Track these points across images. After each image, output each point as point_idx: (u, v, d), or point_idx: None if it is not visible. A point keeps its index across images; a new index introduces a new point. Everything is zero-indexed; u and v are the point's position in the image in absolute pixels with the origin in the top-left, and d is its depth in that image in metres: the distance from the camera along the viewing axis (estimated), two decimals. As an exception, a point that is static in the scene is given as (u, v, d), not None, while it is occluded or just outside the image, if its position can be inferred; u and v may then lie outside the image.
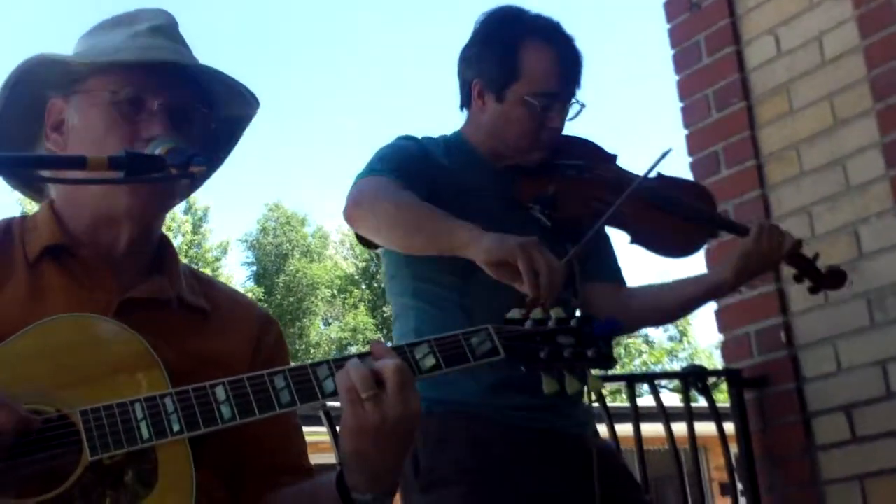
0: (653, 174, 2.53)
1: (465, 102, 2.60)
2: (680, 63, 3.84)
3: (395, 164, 2.39)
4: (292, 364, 1.55)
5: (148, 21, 1.71)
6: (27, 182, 1.78)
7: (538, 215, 2.46)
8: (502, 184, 2.52)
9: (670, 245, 2.65)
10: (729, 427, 3.54)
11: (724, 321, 3.59)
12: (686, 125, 3.79)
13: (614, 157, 2.66)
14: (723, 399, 3.69)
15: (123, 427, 1.40)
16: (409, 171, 2.38)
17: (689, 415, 3.43)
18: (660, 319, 2.76)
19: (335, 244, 33.56)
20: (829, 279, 2.77)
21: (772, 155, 3.53)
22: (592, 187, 2.54)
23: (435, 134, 2.62)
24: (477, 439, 2.30)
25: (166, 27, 1.72)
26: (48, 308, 1.51)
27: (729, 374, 3.51)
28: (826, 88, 3.39)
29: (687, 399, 3.49)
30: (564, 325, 1.66)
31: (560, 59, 2.50)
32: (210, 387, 1.45)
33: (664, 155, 2.41)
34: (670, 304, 2.67)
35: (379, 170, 2.38)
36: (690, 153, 3.76)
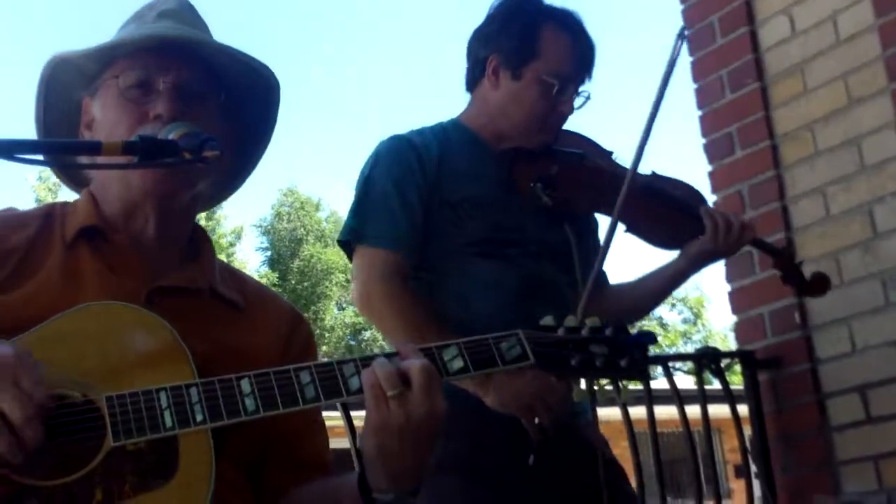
0: (647, 172, 2.61)
1: (474, 83, 2.61)
2: (694, 44, 3.82)
3: (385, 221, 2.41)
4: (319, 360, 1.56)
5: (159, 7, 1.73)
6: (70, 175, 1.81)
7: (539, 193, 2.48)
8: (501, 167, 2.53)
9: (663, 236, 2.70)
10: (743, 409, 3.53)
11: (738, 303, 3.59)
12: (700, 106, 3.78)
13: (610, 152, 2.69)
14: (737, 381, 3.69)
15: (147, 414, 1.41)
16: (396, 216, 2.41)
17: (703, 397, 3.43)
18: (635, 316, 2.78)
19: (349, 228, 33.53)
20: (812, 285, 2.83)
21: (786, 135, 3.52)
22: (592, 175, 2.58)
23: (432, 122, 2.62)
24: (476, 433, 2.32)
25: (173, 11, 1.73)
26: (81, 291, 1.54)
27: (743, 356, 3.51)
28: (840, 68, 3.37)
29: (700, 381, 3.49)
30: (598, 335, 1.65)
31: (577, 45, 2.54)
32: (236, 379, 1.46)
33: (645, 140, 2.48)
34: (644, 300, 2.72)
35: (374, 236, 2.41)
36: (704, 134, 3.75)
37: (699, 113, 3.78)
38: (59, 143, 1.69)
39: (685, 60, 3.83)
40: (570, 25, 2.55)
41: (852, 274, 3.28)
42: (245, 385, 1.47)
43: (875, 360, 3.18)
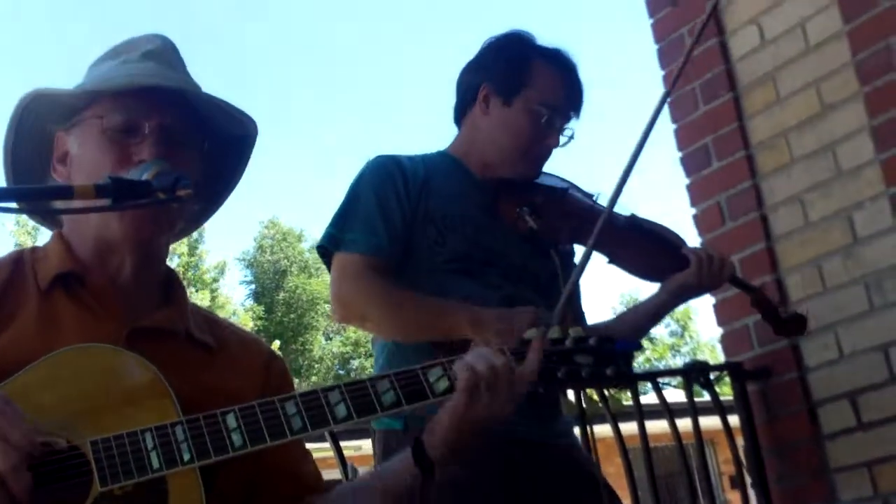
0: (626, 213, 2.68)
1: (463, 113, 2.64)
2: (665, 57, 3.84)
3: (363, 229, 2.43)
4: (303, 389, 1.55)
5: (142, 47, 1.72)
6: (43, 215, 1.81)
7: (526, 217, 2.50)
8: (485, 194, 2.55)
9: (645, 267, 2.76)
10: (735, 420, 3.53)
11: (723, 314, 3.59)
12: (674, 120, 3.79)
13: (591, 194, 2.72)
14: (727, 392, 3.68)
15: (133, 456, 1.40)
16: (376, 226, 2.43)
17: (694, 410, 3.42)
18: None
19: (332, 258, 33.52)
20: (789, 324, 2.84)
21: (761, 144, 3.53)
22: (574, 208, 2.62)
23: (416, 152, 2.64)
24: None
25: (158, 51, 1.72)
26: (60, 337, 1.52)
27: (731, 368, 3.51)
28: (812, 75, 3.39)
29: (690, 395, 3.49)
30: (583, 345, 1.65)
31: (567, 79, 2.59)
32: (221, 414, 1.46)
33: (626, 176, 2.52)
34: (632, 333, 2.70)
35: (352, 242, 2.42)
36: (680, 148, 3.76)
37: (674, 126, 3.79)
38: (33, 190, 1.67)
39: (657, 74, 3.85)
40: (562, 61, 2.60)
41: (835, 280, 3.28)
42: (231, 420, 1.46)
43: (863, 365, 3.18)
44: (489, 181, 2.56)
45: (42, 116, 1.69)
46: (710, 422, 3.58)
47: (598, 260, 2.64)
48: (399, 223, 2.44)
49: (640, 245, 2.69)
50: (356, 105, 51.28)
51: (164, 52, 1.73)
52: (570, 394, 2.52)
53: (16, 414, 1.33)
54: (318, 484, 1.74)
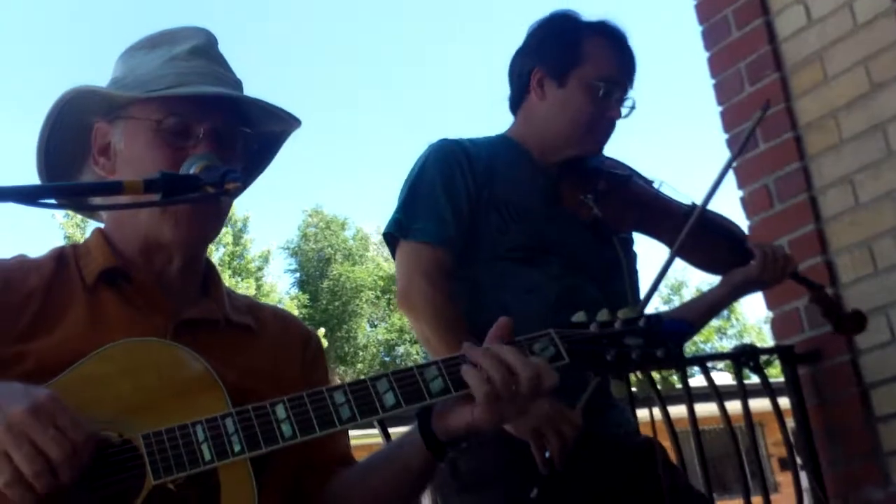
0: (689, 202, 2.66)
1: (519, 101, 2.62)
2: (709, 39, 3.79)
3: (432, 217, 2.43)
4: (351, 379, 1.56)
5: (187, 42, 1.72)
6: (77, 207, 1.82)
7: (591, 203, 2.48)
8: (548, 180, 2.53)
9: (707, 261, 2.78)
10: (784, 402, 3.50)
11: (773, 297, 3.54)
12: (720, 102, 3.74)
13: (651, 181, 2.71)
14: (774, 373, 3.65)
15: (185, 450, 1.41)
16: (443, 214, 2.43)
17: (744, 393, 3.39)
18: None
19: (375, 245, 33.67)
20: (849, 322, 2.89)
21: (809, 125, 3.48)
22: (637, 196, 2.61)
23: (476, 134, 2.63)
24: (515, 443, 2.29)
25: (204, 48, 1.73)
26: (109, 332, 1.54)
27: (781, 351, 3.47)
28: (860, 53, 3.33)
29: (740, 378, 3.45)
30: (632, 326, 1.62)
31: (618, 51, 2.57)
32: (270, 405, 1.46)
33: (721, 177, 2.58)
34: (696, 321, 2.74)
35: (420, 231, 2.42)
36: (726, 130, 3.71)
37: (719, 109, 3.74)
38: (81, 186, 1.69)
39: (703, 57, 3.81)
40: (611, 32, 2.58)
41: (887, 261, 3.23)
42: (280, 411, 1.46)
43: (916, 348, 3.13)
44: (552, 166, 2.55)
45: (81, 107, 1.69)
46: (757, 404, 3.54)
47: (662, 250, 2.64)
48: (465, 210, 2.44)
49: (706, 238, 2.67)
50: (397, 92, 51.30)
51: (210, 48, 1.74)
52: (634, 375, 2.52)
53: (68, 408, 1.35)
54: (345, 457, 1.77)
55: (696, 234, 2.59)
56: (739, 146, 2.87)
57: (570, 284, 2.44)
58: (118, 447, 1.41)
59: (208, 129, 1.63)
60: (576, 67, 2.51)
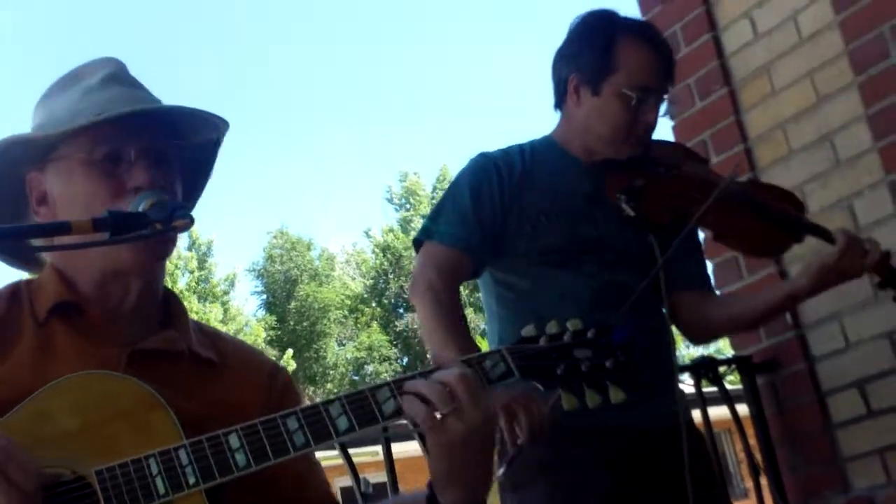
0: (744, 180, 2.60)
1: (560, 101, 2.69)
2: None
3: (455, 222, 2.52)
4: (305, 404, 1.55)
5: (97, 73, 1.71)
6: (18, 255, 1.78)
7: (624, 205, 2.52)
8: (591, 180, 2.59)
9: (754, 245, 2.72)
10: (745, 409, 3.54)
11: (730, 307, 3.58)
12: (671, 116, 3.80)
13: (705, 161, 2.72)
14: (736, 381, 3.69)
15: (139, 483, 1.40)
16: (468, 222, 2.52)
17: (703, 403, 3.43)
18: (737, 329, 2.78)
19: (341, 265, 33.64)
20: None
21: (759, 137, 3.53)
22: (679, 185, 2.59)
23: (520, 140, 2.71)
24: (557, 441, 2.34)
25: (115, 75, 1.72)
26: (58, 367, 1.52)
27: (739, 361, 3.51)
28: (806, 66, 3.39)
29: (699, 389, 3.49)
30: (581, 338, 1.62)
31: (655, 54, 2.60)
32: (224, 435, 1.46)
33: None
34: (749, 315, 2.71)
35: (442, 234, 2.52)
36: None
37: (671, 123, 3.79)
38: (27, 229, 1.67)
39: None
40: (648, 36, 2.62)
41: (838, 269, 3.28)
42: (234, 440, 1.46)
43: (869, 353, 3.18)
44: (594, 164, 2.60)
45: (9, 160, 1.67)
46: (723, 411, 3.59)
47: (702, 236, 2.63)
48: (490, 215, 2.53)
49: (752, 220, 2.62)
50: (360, 112, 51.30)
51: (121, 74, 1.73)
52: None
53: (16, 450, 1.33)
54: (326, 497, 1.75)
55: (737, 213, 2.57)
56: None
57: (608, 281, 2.50)
58: (71, 485, 1.40)
59: (139, 150, 1.62)
60: (609, 76, 2.55)
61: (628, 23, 2.64)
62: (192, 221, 1.48)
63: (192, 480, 1.42)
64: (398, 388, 1.53)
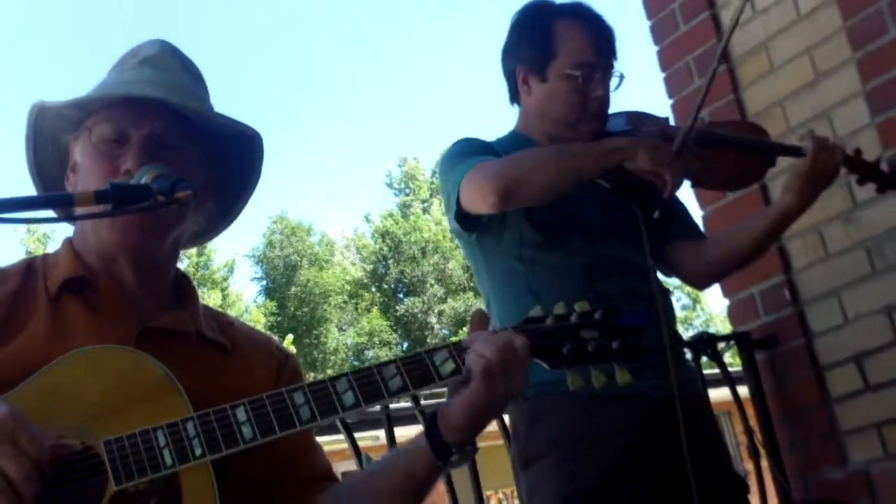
0: (701, 119, 2.64)
1: (513, 95, 2.74)
2: (658, 33, 3.85)
3: (478, 152, 2.56)
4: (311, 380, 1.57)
5: (141, 54, 1.74)
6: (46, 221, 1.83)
7: (599, 181, 2.57)
8: None
9: (731, 179, 2.77)
10: (744, 390, 3.55)
11: (729, 284, 3.60)
12: (670, 95, 3.80)
13: (665, 119, 2.75)
14: (737, 363, 3.69)
15: (147, 455, 1.42)
16: (487, 151, 2.57)
17: (703, 382, 3.43)
18: (738, 263, 2.77)
19: (341, 250, 33.59)
20: (893, 177, 2.78)
21: (758, 115, 3.53)
22: None
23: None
24: (564, 414, 2.41)
25: (155, 57, 1.73)
26: (70, 341, 1.54)
27: (738, 338, 3.52)
28: (804, 43, 3.40)
29: (699, 367, 3.50)
30: (588, 319, 1.64)
31: (591, 31, 2.64)
32: (231, 408, 1.48)
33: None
34: (749, 243, 2.72)
35: (471, 163, 2.50)
36: (678, 122, 3.76)
37: (670, 101, 3.80)
38: (35, 199, 1.69)
39: (652, 51, 3.86)
40: (582, 15, 2.65)
41: (837, 246, 3.30)
42: (241, 413, 1.48)
43: (867, 328, 3.20)
44: None
45: (55, 129, 1.72)
46: (723, 393, 3.60)
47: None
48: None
49: (720, 158, 2.67)
50: (360, 98, 51.21)
51: (161, 57, 1.74)
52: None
53: (27, 421, 1.35)
54: (328, 473, 1.77)
55: (704, 157, 2.61)
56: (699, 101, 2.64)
57: (597, 254, 2.54)
58: (80, 455, 1.42)
59: (144, 135, 1.63)
60: (552, 61, 2.61)
61: (562, 7, 2.67)
62: (194, 194, 1.48)
63: (198, 452, 1.44)
64: (404, 364, 1.56)
